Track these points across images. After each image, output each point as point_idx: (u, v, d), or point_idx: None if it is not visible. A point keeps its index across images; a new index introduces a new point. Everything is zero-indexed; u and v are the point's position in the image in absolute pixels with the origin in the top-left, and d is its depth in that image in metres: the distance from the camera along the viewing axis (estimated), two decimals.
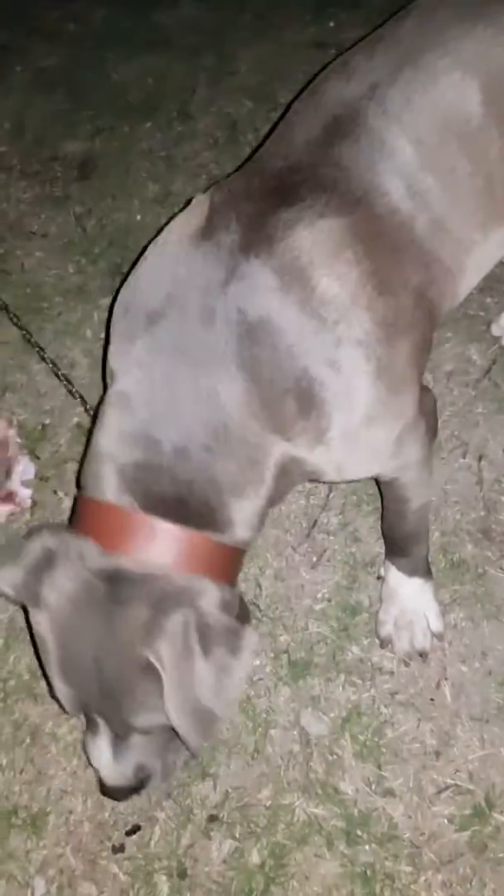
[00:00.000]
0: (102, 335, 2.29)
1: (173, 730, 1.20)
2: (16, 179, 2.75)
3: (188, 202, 1.43)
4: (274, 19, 3.27)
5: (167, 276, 1.28)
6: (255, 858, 1.49)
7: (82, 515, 1.28)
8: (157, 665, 1.14)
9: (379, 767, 1.57)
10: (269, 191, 1.31)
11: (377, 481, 1.58)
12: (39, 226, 2.60)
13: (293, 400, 1.22)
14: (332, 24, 3.25)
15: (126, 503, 1.22)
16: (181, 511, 1.21)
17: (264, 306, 1.20)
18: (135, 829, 1.53)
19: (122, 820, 1.54)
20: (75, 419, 2.11)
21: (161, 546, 1.20)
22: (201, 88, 3.03)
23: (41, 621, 1.22)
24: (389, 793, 1.54)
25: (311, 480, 1.50)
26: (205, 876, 1.48)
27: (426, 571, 1.71)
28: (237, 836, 1.51)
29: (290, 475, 1.32)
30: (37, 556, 1.23)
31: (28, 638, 1.74)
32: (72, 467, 2.01)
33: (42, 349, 2.01)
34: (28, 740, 1.63)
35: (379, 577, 1.80)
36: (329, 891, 1.45)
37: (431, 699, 1.65)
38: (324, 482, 1.54)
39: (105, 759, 1.31)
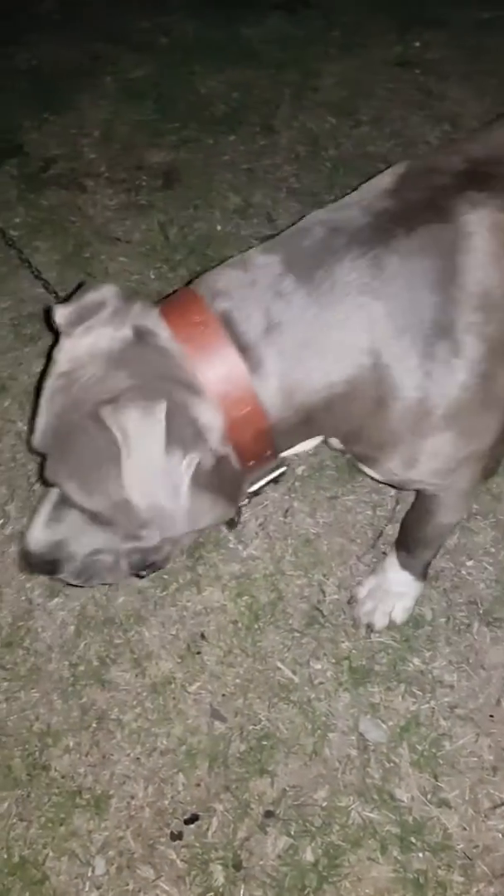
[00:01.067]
0: None
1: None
2: (103, 186, 2.84)
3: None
4: (360, 37, 3.32)
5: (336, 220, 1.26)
6: (309, 856, 1.52)
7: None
8: (115, 432, 1.09)
9: (435, 778, 1.59)
10: (464, 172, 1.31)
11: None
12: (124, 232, 2.69)
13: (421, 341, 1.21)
14: (417, 43, 3.29)
15: (208, 304, 1.19)
16: (248, 351, 1.17)
17: (423, 264, 1.21)
18: (193, 819, 1.58)
19: (182, 809, 1.59)
20: None
21: (212, 356, 1.16)
22: (285, 103, 3.10)
23: (60, 348, 1.20)
24: (445, 803, 1.56)
25: (371, 478, 1.51)
26: (259, 869, 1.52)
27: (420, 573, 1.76)
28: (292, 833, 1.55)
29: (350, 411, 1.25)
30: (94, 300, 1.21)
31: (97, 626, 1.82)
32: None
33: None
34: (94, 725, 1.70)
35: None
36: (381, 894, 1.48)
37: (491, 715, 1.67)
38: (376, 479, 1.52)
39: (37, 519, 1.26)
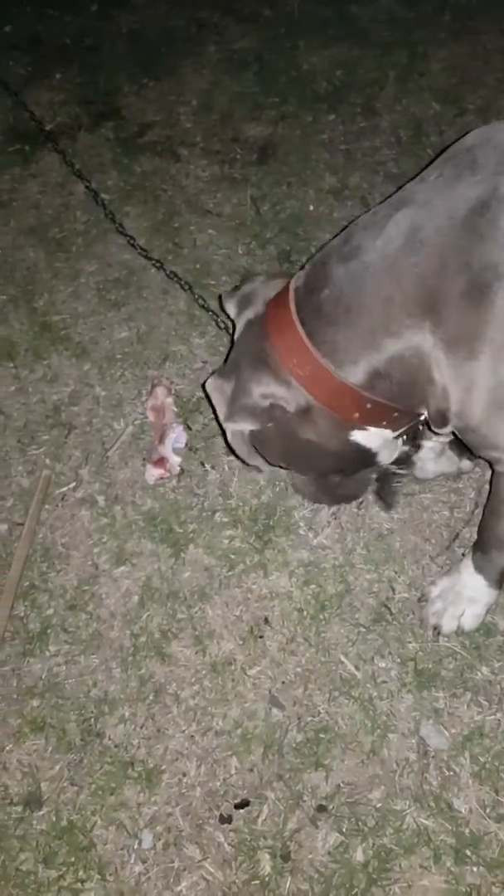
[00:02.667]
0: None
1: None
2: (197, 157, 2.80)
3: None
4: (473, 22, 3.20)
5: None
6: (359, 856, 1.49)
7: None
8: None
9: (496, 792, 1.54)
10: None
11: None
12: (215, 204, 2.65)
13: (464, 287, 1.27)
14: None
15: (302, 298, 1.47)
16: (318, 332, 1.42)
17: None
18: (244, 804, 1.55)
19: (233, 792, 1.57)
20: None
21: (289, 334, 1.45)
22: (389, 85, 3.01)
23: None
24: None
25: (431, 429, 1.51)
26: (308, 863, 1.49)
27: (495, 580, 1.68)
28: (344, 830, 1.51)
29: (412, 372, 1.38)
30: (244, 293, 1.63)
31: (161, 598, 1.80)
32: (220, 442, 2.05)
33: (216, 314, 2.07)
34: (151, 697, 1.68)
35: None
36: None
37: None
38: (438, 432, 1.50)
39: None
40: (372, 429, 1.51)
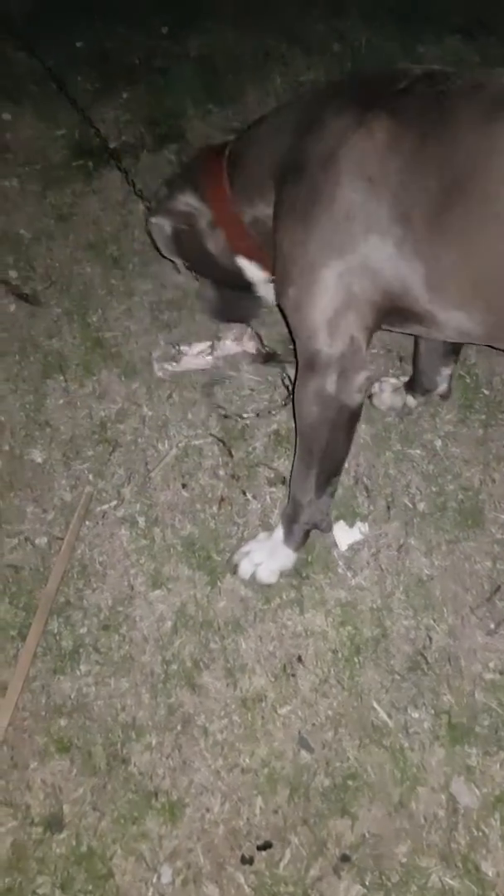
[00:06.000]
0: None
1: None
2: None
3: None
4: None
5: None
6: None
7: None
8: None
9: None
10: None
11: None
12: None
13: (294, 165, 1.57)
14: None
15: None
16: (233, 174, 1.75)
17: None
18: (266, 846, 1.53)
19: (256, 833, 1.54)
20: (274, 426, 2.14)
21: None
22: None
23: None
24: None
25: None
26: None
27: (296, 541, 1.82)
28: (367, 883, 1.48)
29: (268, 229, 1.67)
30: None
31: (195, 626, 1.79)
32: (263, 472, 2.04)
33: (262, 340, 2.11)
34: (179, 727, 1.66)
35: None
36: None
37: None
38: None
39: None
40: (252, 263, 1.84)
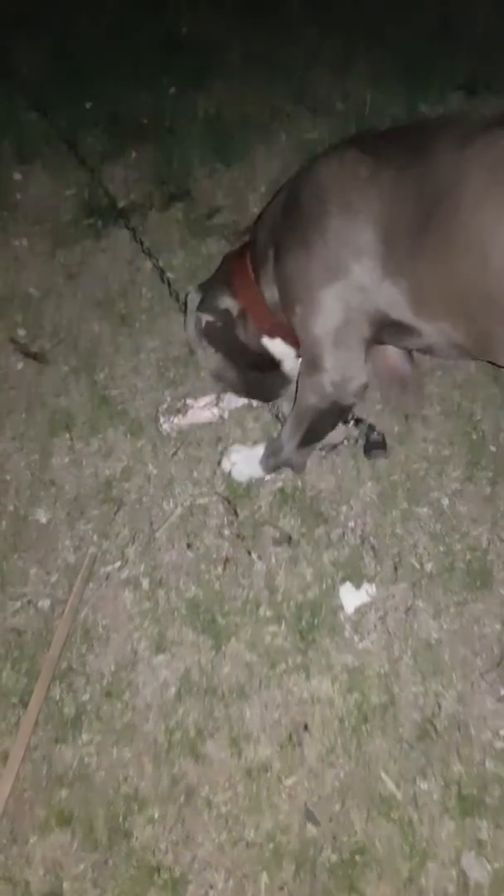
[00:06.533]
0: None
1: None
2: None
3: None
4: None
5: None
6: None
7: None
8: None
9: None
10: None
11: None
12: None
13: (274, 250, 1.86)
14: None
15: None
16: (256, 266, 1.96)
17: None
18: None
19: None
20: (280, 484, 2.13)
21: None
22: None
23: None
24: None
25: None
26: None
27: (267, 466, 2.07)
28: None
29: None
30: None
31: (199, 693, 1.76)
32: (268, 532, 2.02)
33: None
34: (182, 799, 1.63)
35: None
36: None
37: None
38: None
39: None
40: (277, 340, 2.02)
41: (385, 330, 1.77)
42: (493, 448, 2.21)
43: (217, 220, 2.95)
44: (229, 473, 2.11)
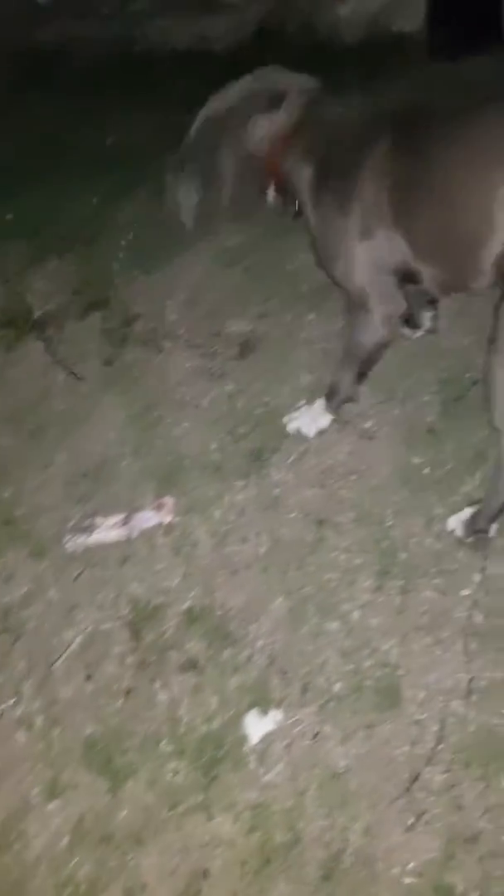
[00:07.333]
0: (232, 518, 2.29)
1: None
2: (180, 349, 2.87)
3: None
4: None
5: None
6: None
7: None
8: None
9: None
10: None
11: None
12: (192, 397, 2.68)
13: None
14: None
15: None
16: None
17: None
18: None
19: None
20: (188, 603, 2.08)
21: None
22: None
23: None
24: None
25: None
26: None
27: (328, 403, 2.45)
28: None
29: None
30: None
31: (92, 842, 1.66)
32: (175, 657, 1.96)
33: None
34: None
35: None
36: None
37: None
38: None
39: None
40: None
41: (405, 274, 2.12)
42: (403, 555, 2.19)
43: (135, 328, 2.98)
44: (300, 432, 2.45)
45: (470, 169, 1.90)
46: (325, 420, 2.46)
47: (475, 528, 2.10)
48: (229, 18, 4.76)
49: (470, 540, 2.12)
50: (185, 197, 2.40)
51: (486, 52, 4.47)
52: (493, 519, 2.10)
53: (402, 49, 4.79)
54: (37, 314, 2.98)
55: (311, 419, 2.47)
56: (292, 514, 2.30)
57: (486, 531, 2.10)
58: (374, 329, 2.25)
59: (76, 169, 3.76)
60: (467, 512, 2.15)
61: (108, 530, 2.21)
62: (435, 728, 1.83)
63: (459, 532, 2.13)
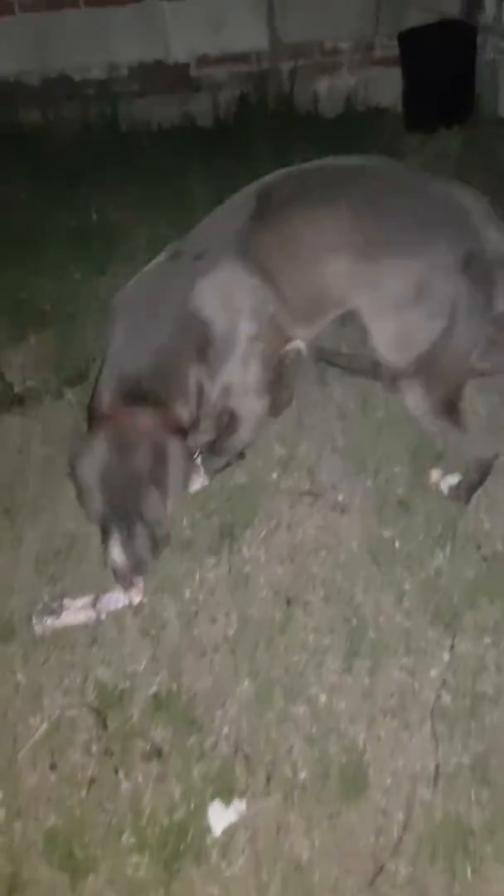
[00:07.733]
0: (201, 598, 2.29)
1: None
2: None
3: None
4: None
5: None
6: None
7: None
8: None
9: None
10: None
11: None
12: None
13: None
14: None
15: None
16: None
17: None
18: None
19: None
20: (154, 688, 2.07)
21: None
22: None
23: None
24: None
25: None
26: None
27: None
28: None
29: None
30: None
31: None
32: (139, 745, 1.95)
33: None
34: None
35: None
36: None
37: None
38: None
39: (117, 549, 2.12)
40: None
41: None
42: (372, 634, 2.19)
43: None
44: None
45: (310, 248, 2.21)
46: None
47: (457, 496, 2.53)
48: (212, 95, 4.91)
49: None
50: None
51: (459, 124, 4.67)
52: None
53: (380, 122, 4.98)
54: (16, 390, 3.02)
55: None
56: (262, 593, 2.30)
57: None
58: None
59: (59, 246, 3.84)
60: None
61: (76, 612, 2.21)
62: (401, 816, 1.82)
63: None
